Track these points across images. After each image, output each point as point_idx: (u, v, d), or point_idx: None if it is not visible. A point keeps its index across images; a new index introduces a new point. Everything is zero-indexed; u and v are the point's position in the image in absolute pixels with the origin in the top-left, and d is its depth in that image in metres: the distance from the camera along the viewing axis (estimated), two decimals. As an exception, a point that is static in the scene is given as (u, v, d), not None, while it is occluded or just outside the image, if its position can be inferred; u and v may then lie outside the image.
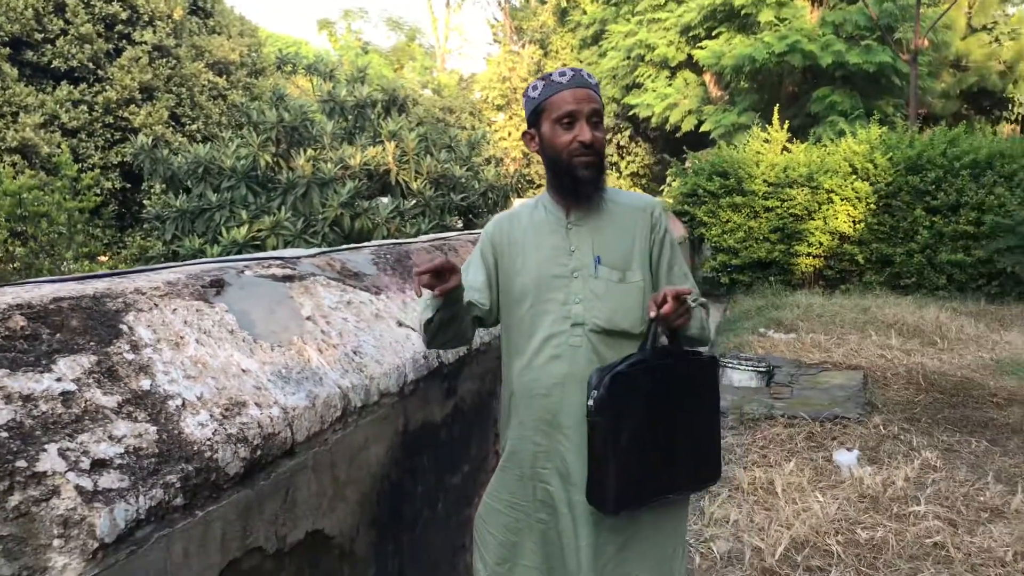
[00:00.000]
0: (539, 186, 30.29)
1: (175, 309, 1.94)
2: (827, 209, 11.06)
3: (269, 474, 1.84)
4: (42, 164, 11.57)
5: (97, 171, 10.94)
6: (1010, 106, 22.54)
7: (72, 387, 1.52)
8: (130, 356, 1.69)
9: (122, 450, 1.48)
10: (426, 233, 9.06)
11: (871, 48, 17.09)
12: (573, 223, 2.14)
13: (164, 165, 9.90)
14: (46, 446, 1.37)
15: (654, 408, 2.00)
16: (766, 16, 17.86)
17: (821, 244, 11.14)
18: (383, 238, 9.23)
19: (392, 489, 2.43)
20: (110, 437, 1.49)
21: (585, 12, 25.94)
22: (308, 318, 2.33)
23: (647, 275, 2.16)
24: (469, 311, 2.17)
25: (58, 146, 11.82)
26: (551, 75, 2.08)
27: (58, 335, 1.63)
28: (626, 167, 27.06)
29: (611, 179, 27.33)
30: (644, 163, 27.01)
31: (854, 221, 11.03)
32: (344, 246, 3.20)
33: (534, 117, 2.12)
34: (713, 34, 19.85)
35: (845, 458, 4.67)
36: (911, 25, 16.35)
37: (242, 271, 2.38)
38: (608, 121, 26.13)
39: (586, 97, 2.03)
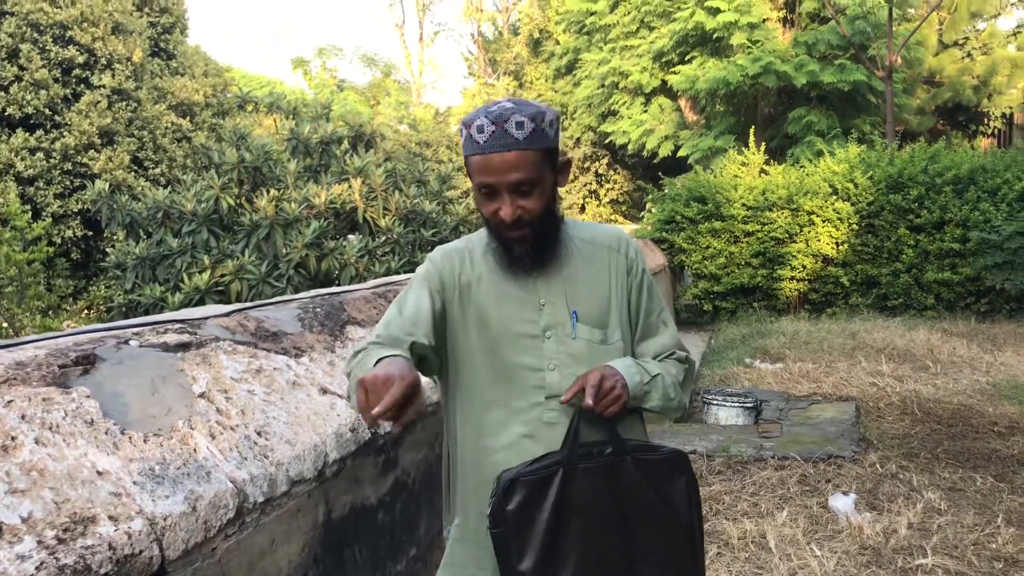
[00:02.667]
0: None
1: (10, 401, 1.56)
2: (809, 231, 10.78)
3: (125, 608, 1.46)
4: (-3, 215, 11.18)
5: (49, 220, 10.54)
6: (986, 120, 22.48)
7: None
8: (-71, 471, 1.32)
9: None
10: (397, 272, 8.73)
11: (845, 67, 16.97)
12: (540, 270, 1.76)
13: (123, 211, 9.55)
14: None
15: (587, 519, 1.63)
16: (738, 39, 17.74)
17: (804, 267, 10.85)
18: (351, 278, 8.90)
19: (311, 594, 2.05)
20: None
21: (558, 42, 25.87)
22: (202, 395, 1.96)
23: (626, 329, 1.80)
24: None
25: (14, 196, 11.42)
26: (470, 125, 1.64)
27: None
28: (605, 195, 26.87)
29: (591, 207, 27.10)
30: (623, 190, 26.83)
31: (837, 242, 10.74)
32: (268, 301, 2.83)
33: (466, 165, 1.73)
34: (686, 59, 19.71)
35: (842, 503, 4.30)
36: (884, 42, 16.23)
37: (126, 341, 2.02)
38: (585, 149, 25.97)
39: (506, 166, 1.61)
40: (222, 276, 8.80)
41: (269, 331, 2.47)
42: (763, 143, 13.63)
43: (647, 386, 1.71)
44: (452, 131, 31.44)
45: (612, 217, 26.89)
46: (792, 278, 10.94)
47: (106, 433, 1.66)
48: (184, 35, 15.15)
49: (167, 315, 2.42)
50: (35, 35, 12.46)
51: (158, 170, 13.37)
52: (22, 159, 12.02)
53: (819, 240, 10.73)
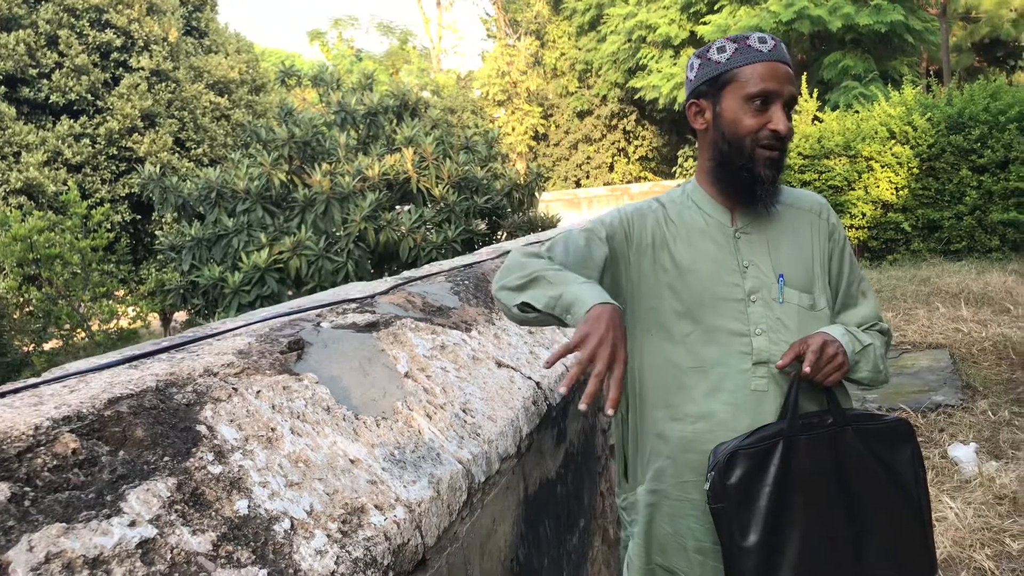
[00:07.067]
0: (546, 179, 29.64)
1: (258, 391, 1.52)
2: (867, 178, 10.59)
3: (402, 599, 1.41)
4: (49, 203, 11.19)
5: (107, 206, 10.55)
6: (1025, 54, 21.96)
7: (151, 531, 1.10)
8: (216, 469, 1.27)
9: (232, 621, 1.06)
10: (454, 240, 8.67)
11: (881, 8, 16.59)
12: (741, 230, 1.67)
13: (174, 193, 9.52)
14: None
15: (809, 492, 1.55)
16: (770, -15, 17.40)
17: (864, 215, 10.67)
18: (410, 249, 8.87)
19: (522, 572, 2.01)
20: (211, 600, 1.07)
21: (580, -2, 25.48)
22: (406, 375, 1.91)
23: (828, 298, 1.71)
24: None
25: (64, 183, 11.42)
26: (746, 38, 1.61)
27: (121, 453, 1.21)
28: (634, 152, 26.58)
29: (620, 165, 26.82)
30: (652, 146, 26.52)
31: (896, 188, 10.55)
32: (414, 274, 2.77)
33: (713, 86, 1.63)
34: (715, 8, 19.37)
35: (963, 453, 4.22)
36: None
37: (318, 323, 1.97)
38: (612, 107, 25.68)
39: (787, 76, 1.60)
40: (280, 253, 8.77)
41: (434, 306, 2.42)
42: (814, 90, 13.34)
43: (858, 355, 1.62)
44: (475, 96, 31.14)
45: (642, 174, 26.63)
46: (851, 226, 10.78)
47: (344, 419, 1.61)
48: (214, 12, 15.05)
49: (334, 295, 2.36)
50: (72, 20, 12.39)
51: (200, 150, 13.33)
52: (68, 146, 12.02)
53: (878, 186, 10.54)
